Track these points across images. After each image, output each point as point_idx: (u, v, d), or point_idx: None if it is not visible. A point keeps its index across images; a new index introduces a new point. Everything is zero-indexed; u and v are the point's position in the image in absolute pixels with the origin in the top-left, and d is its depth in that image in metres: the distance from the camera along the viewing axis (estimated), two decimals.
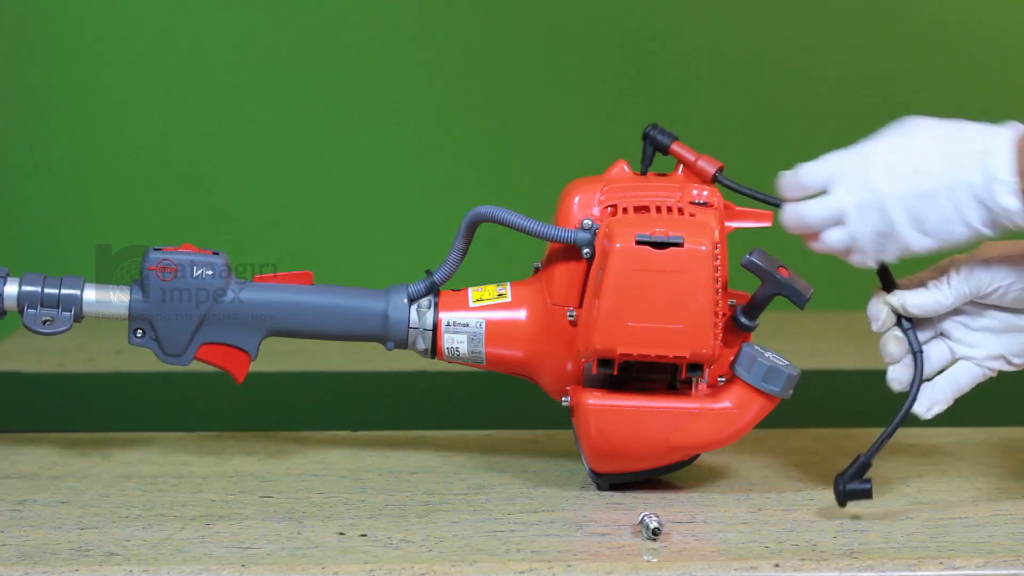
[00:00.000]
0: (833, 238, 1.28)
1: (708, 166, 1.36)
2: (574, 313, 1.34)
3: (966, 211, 1.24)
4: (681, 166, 1.37)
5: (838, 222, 1.27)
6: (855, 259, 1.29)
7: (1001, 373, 1.33)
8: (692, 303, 1.27)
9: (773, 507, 1.31)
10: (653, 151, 1.39)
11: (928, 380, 1.33)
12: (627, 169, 1.37)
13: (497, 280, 1.39)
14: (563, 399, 1.36)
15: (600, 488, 1.36)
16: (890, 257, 1.28)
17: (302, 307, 1.38)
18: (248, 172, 2.79)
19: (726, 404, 1.31)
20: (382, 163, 2.81)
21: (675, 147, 1.38)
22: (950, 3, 2.80)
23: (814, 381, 1.48)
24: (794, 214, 1.29)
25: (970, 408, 1.35)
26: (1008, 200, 1.22)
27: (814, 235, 1.29)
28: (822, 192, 1.28)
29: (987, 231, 1.25)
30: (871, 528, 1.25)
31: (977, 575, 1.16)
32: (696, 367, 1.30)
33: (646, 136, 1.39)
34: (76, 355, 1.92)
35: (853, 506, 1.30)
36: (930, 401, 1.32)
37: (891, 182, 1.25)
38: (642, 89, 2.79)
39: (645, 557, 1.19)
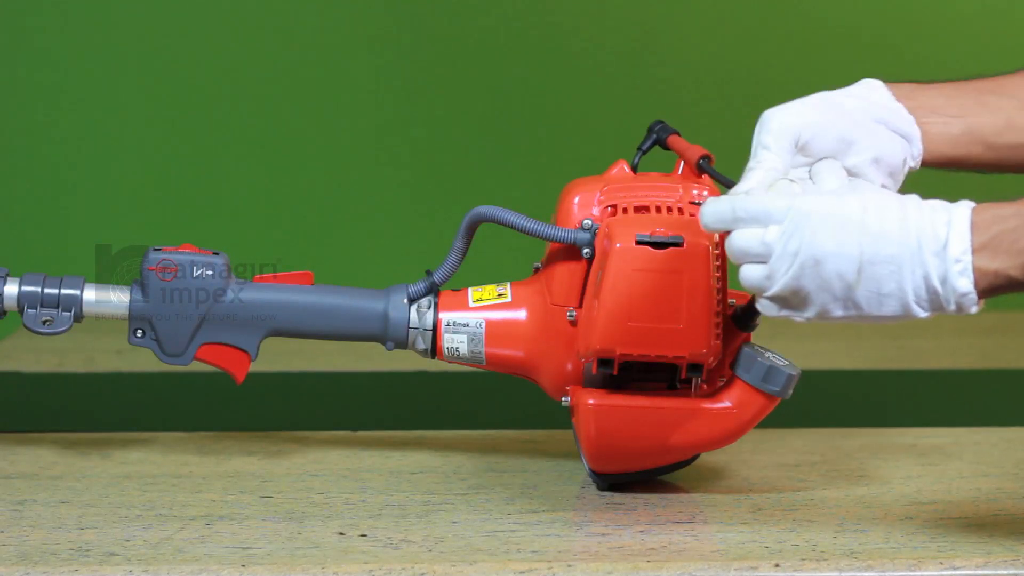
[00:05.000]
0: (750, 275, 1.16)
1: (694, 153, 1.36)
2: (574, 313, 1.34)
3: (908, 288, 1.12)
4: (682, 163, 1.38)
5: (762, 260, 1.15)
6: (762, 305, 1.18)
7: (1001, 373, 1.33)
8: (692, 303, 1.27)
9: (773, 507, 1.31)
10: (652, 143, 1.39)
11: None
12: (627, 169, 1.37)
13: (497, 280, 1.39)
14: (563, 399, 1.36)
15: (600, 488, 1.36)
16: (798, 318, 1.16)
17: (302, 307, 1.38)
18: (248, 172, 2.79)
19: (726, 404, 1.31)
20: (382, 163, 2.81)
21: (672, 139, 1.39)
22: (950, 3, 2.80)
23: (814, 381, 1.48)
24: (717, 224, 1.17)
25: (970, 408, 1.35)
26: (961, 283, 1.11)
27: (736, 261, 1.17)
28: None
29: (921, 313, 1.13)
30: (871, 528, 1.25)
31: (977, 575, 1.16)
32: (696, 367, 1.29)
33: (650, 129, 1.40)
34: (76, 355, 1.92)
35: (853, 506, 1.31)
36: None
37: (833, 239, 1.12)
38: (642, 89, 2.79)
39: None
